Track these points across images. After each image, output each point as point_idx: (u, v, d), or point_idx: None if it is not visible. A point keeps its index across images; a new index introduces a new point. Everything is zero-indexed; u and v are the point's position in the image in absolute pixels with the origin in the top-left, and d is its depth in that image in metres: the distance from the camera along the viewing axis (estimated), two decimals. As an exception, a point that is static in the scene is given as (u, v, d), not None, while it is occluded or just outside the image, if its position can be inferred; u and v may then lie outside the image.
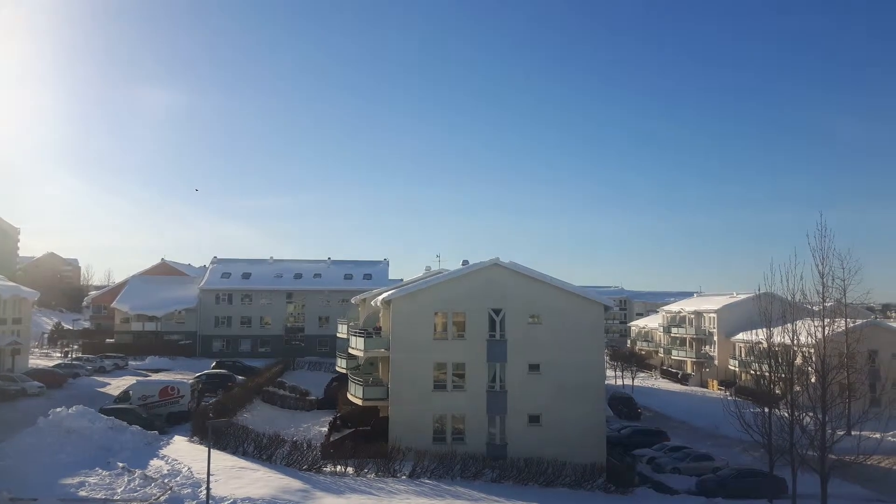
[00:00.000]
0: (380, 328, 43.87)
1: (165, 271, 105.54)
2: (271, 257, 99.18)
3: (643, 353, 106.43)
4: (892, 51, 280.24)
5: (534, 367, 39.65)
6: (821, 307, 33.71)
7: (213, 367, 67.23)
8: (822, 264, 32.39)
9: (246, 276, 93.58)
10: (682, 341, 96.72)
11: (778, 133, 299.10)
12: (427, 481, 33.14)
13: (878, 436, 30.44)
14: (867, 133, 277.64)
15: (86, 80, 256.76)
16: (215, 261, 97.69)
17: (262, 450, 34.57)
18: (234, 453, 34.26)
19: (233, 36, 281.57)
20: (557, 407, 39.08)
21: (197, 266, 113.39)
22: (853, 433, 30.64)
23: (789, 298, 33.55)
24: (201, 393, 52.11)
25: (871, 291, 45.29)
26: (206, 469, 25.05)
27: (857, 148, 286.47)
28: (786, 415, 31.55)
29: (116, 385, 58.30)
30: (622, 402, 64.04)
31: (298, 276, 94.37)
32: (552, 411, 39.14)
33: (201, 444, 35.33)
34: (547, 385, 39.36)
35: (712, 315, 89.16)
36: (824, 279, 32.72)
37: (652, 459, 44.16)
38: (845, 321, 42.80)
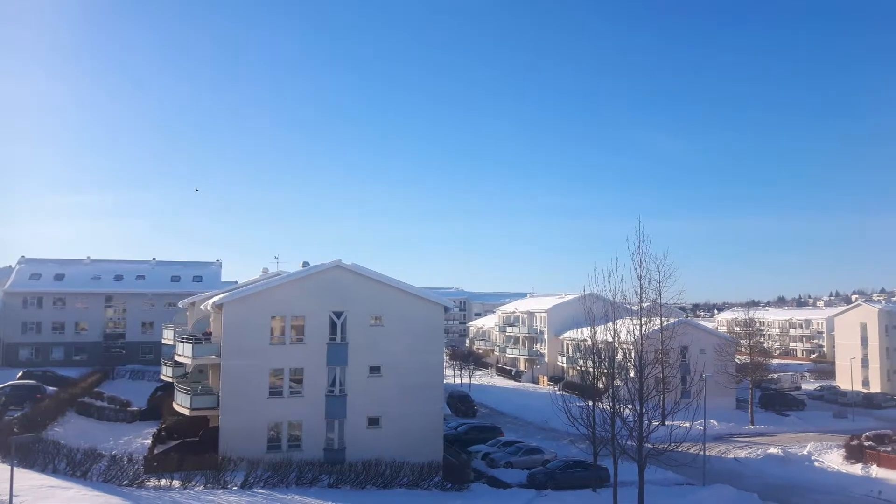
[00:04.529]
0: (210, 334, 41.69)
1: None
2: (88, 257, 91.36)
3: (481, 351, 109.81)
4: (704, 76, 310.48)
5: (375, 370, 39.48)
6: (639, 307, 36.22)
7: (20, 378, 61.10)
8: (640, 268, 34.93)
9: (59, 277, 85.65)
10: (516, 340, 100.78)
11: (601, 148, 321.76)
12: (260, 491, 32.02)
13: (687, 425, 33.00)
14: (681, 149, 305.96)
15: None
16: (23, 261, 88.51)
17: (75, 466, 31.92)
18: (42, 471, 31.35)
19: (51, 18, 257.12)
20: (397, 408, 39.17)
21: (1, 266, 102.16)
22: (667, 423, 33.15)
23: (611, 299, 35.77)
24: (4, 406, 47.36)
25: (683, 292, 49.53)
26: (8, 490, 22.68)
27: (673, 163, 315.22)
28: (608, 408, 33.59)
29: None
30: (460, 400, 65.56)
31: (119, 277, 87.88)
32: (392, 413, 39.16)
33: (3, 462, 31.78)
34: (387, 387, 39.32)
35: (543, 315, 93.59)
36: (642, 281, 35.26)
37: (486, 455, 45.44)
38: (660, 320, 46.43)
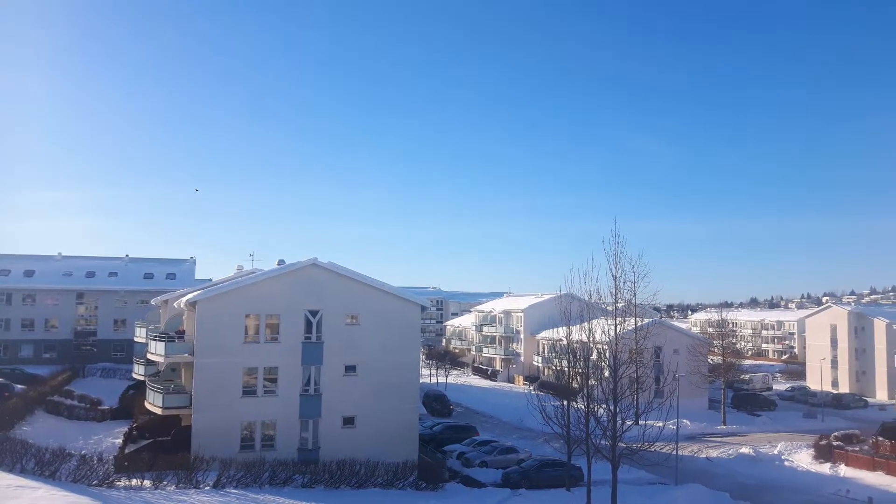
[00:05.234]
0: (183, 332, 41.22)
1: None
2: (59, 253, 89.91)
3: (457, 351, 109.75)
4: (687, 82, 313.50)
5: (350, 369, 39.29)
6: (614, 307, 36.35)
7: (-14, 376, 59.90)
8: (615, 268, 35.00)
9: (29, 273, 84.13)
10: (493, 339, 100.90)
11: (582, 148, 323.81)
12: (233, 491, 31.72)
13: (660, 424, 33.24)
14: (661, 151, 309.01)
15: None
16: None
17: (44, 465, 31.33)
18: (10, 471, 30.71)
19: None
20: (373, 407, 39.04)
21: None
22: (640, 423, 33.41)
23: (587, 299, 35.91)
24: (-31, 406, 46.16)
25: (657, 293, 49.53)
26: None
27: (653, 164, 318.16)
28: (582, 407, 33.76)
29: None
30: (435, 400, 65.51)
31: (91, 274, 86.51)
32: (367, 412, 39.01)
33: (-30, 462, 31.17)
34: (363, 386, 39.16)
35: (519, 314, 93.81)
36: (617, 282, 35.35)
37: (462, 454, 45.47)
38: (635, 320, 46.66)
